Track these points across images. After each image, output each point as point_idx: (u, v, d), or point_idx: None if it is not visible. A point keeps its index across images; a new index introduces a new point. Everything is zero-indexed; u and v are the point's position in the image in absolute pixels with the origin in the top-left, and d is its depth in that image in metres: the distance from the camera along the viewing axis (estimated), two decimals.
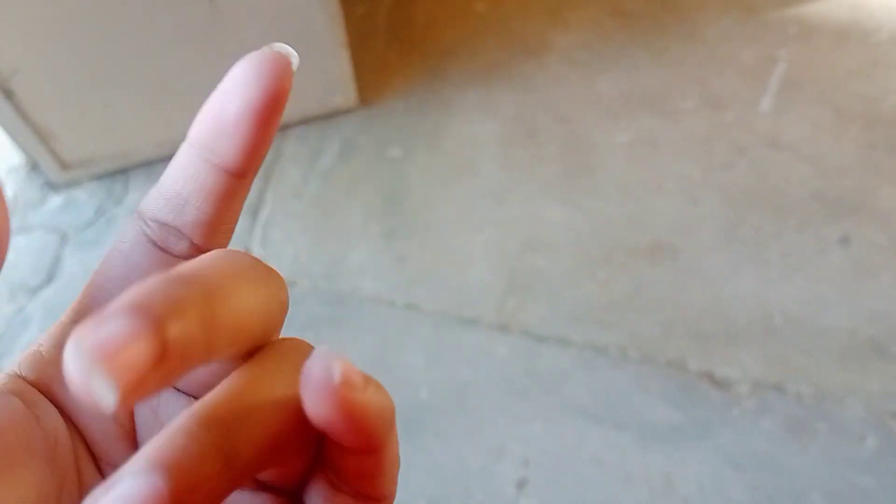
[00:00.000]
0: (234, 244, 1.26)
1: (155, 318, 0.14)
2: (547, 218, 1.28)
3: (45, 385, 0.21)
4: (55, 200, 1.31)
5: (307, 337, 1.20)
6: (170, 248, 0.21)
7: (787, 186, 1.29)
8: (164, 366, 0.14)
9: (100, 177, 1.31)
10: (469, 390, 1.16)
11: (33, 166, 1.30)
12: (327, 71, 1.26)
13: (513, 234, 1.26)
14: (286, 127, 1.34)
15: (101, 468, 0.21)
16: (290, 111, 1.31)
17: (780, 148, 1.32)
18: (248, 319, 0.17)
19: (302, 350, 0.19)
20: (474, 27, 1.45)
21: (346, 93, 1.31)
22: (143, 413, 0.21)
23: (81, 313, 0.21)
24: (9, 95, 1.11)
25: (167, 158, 1.32)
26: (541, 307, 1.21)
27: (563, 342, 1.19)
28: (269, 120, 0.19)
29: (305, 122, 1.33)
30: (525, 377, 1.17)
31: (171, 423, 0.16)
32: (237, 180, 0.20)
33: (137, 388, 0.14)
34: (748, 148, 1.32)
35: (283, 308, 0.19)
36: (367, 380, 0.17)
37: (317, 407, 0.16)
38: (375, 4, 1.48)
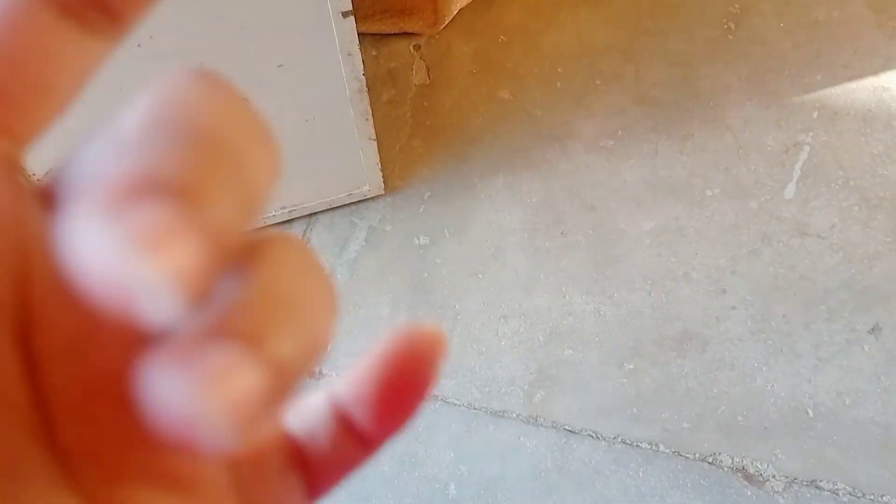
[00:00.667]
0: None
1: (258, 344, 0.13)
2: (574, 308, 1.27)
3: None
4: None
5: None
6: None
7: (815, 275, 1.28)
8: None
9: None
10: (498, 486, 1.15)
11: None
12: (355, 162, 1.28)
13: (540, 325, 1.26)
14: (314, 215, 1.35)
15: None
16: (316, 201, 1.32)
17: (806, 235, 1.31)
18: None
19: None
20: (499, 114, 1.46)
21: (373, 182, 1.33)
22: None
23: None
24: None
25: None
26: (570, 399, 1.20)
27: (594, 436, 1.18)
28: (415, 405, 0.19)
29: (333, 209, 1.35)
30: (555, 473, 1.15)
31: None
32: (362, 447, 0.20)
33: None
34: (775, 235, 1.32)
35: None
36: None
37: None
38: (401, 90, 1.50)
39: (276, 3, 0.98)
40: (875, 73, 1.47)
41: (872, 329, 1.24)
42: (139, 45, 0.94)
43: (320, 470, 0.21)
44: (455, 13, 1.56)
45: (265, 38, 1.00)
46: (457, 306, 1.27)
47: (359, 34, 1.49)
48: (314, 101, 1.13)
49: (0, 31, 0.14)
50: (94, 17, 0.15)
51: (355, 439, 0.20)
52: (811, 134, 1.42)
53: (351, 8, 1.00)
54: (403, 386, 0.19)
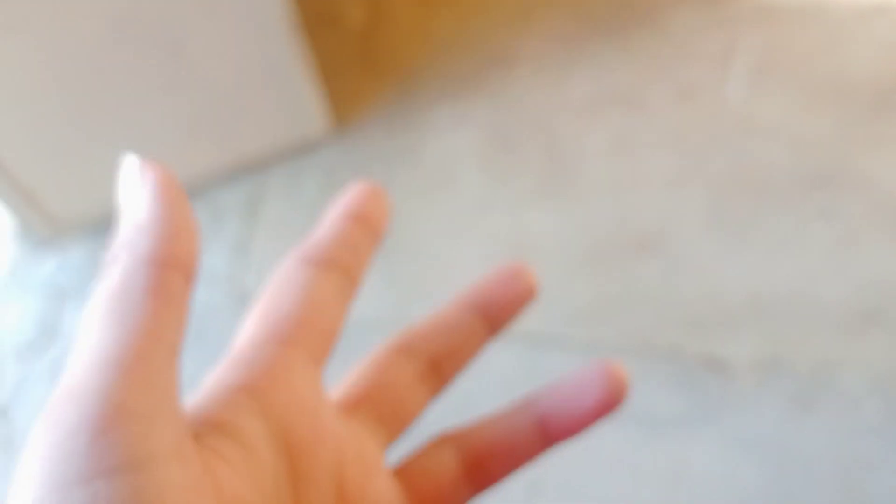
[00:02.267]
0: (227, 282, 1.28)
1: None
2: (532, 223, 1.30)
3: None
4: (50, 259, 1.33)
5: None
6: None
7: (763, 167, 1.31)
8: None
9: (92, 230, 1.33)
10: (472, 402, 1.17)
11: (24, 227, 1.32)
12: (300, 104, 1.29)
13: (500, 242, 1.28)
14: (267, 163, 1.36)
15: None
16: (268, 147, 1.33)
17: (753, 131, 1.34)
18: None
19: None
20: (442, 44, 1.47)
21: (322, 123, 1.34)
22: None
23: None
24: None
25: None
26: (535, 311, 1.23)
27: (561, 343, 1.21)
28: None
29: (285, 156, 1.36)
30: (526, 381, 1.18)
31: None
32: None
33: None
34: (722, 135, 1.34)
35: None
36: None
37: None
38: (343, 33, 1.51)
39: None
40: None
41: (822, 212, 1.27)
42: None
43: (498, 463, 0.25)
44: None
45: None
46: (416, 233, 1.30)
47: None
48: (249, 43, 1.13)
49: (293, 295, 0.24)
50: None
51: (539, 437, 0.25)
52: (751, 33, 1.44)
53: None
54: (599, 396, 0.26)
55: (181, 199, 0.19)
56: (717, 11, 1.46)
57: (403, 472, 0.26)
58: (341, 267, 0.25)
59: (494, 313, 0.27)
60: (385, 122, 1.40)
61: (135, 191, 0.20)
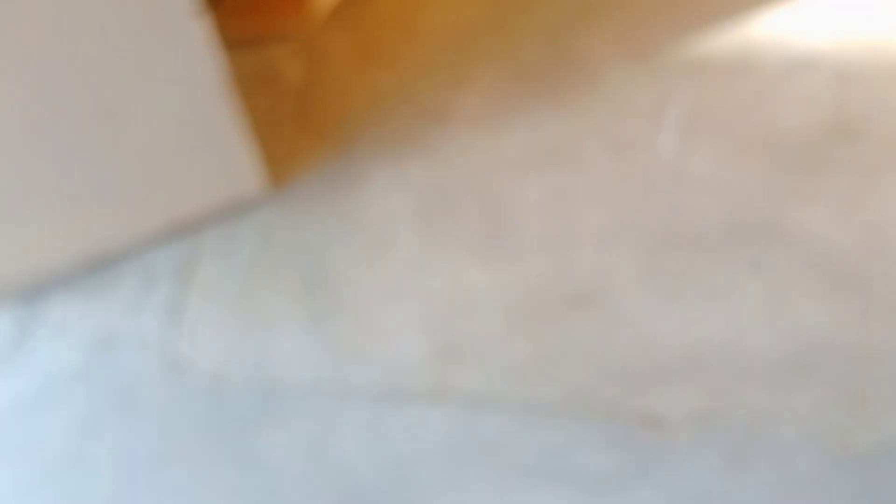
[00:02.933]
0: (160, 348, 1.26)
1: None
2: (470, 281, 1.30)
3: None
4: None
5: (242, 432, 1.19)
6: None
7: (696, 220, 1.33)
8: None
9: (19, 298, 1.31)
10: (411, 465, 1.16)
11: None
12: (235, 163, 1.28)
13: (438, 302, 1.28)
14: (201, 224, 1.34)
15: None
16: (202, 207, 1.32)
17: (685, 184, 1.36)
18: None
19: None
20: (380, 102, 1.48)
21: (257, 182, 1.33)
22: None
23: None
24: None
25: (81, 271, 1.32)
26: (473, 371, 1.23)
27: (500, 403, 1.20)
28: None
29: (221, 216, 1.35)
30: (466, 444, 1.18)
31: None
32: None
33: None
34: (655, 188, 1.36)
35: None
36: None
37: None
38: (280, 91, 1.51)
39: (128, 7, 0.98)
40: (734, 25, 1.53)
41: (753, 264, 1.29)
42: None
43: None
44: (329, 9, 1.58)
45: (119, 40, 1.00)
46: (354, 294, 1.29)
47: (230, 39, 1.50)
48: (182, 103, 1.13)
49: None
50: None
51: None
52: (681, 88, 1.47)
53: (204, 7, 1.01)
54: None
55: None
56: (649, 68, 1.49)
57: None
58: None
59: None
60: (322, 182, 1.40)
61: None
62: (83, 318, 1.29)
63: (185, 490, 1.15)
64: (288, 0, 1.55)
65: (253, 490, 1.15)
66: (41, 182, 1.16)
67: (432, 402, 1.21)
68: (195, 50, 1.10)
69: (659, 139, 1.41)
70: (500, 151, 1.42)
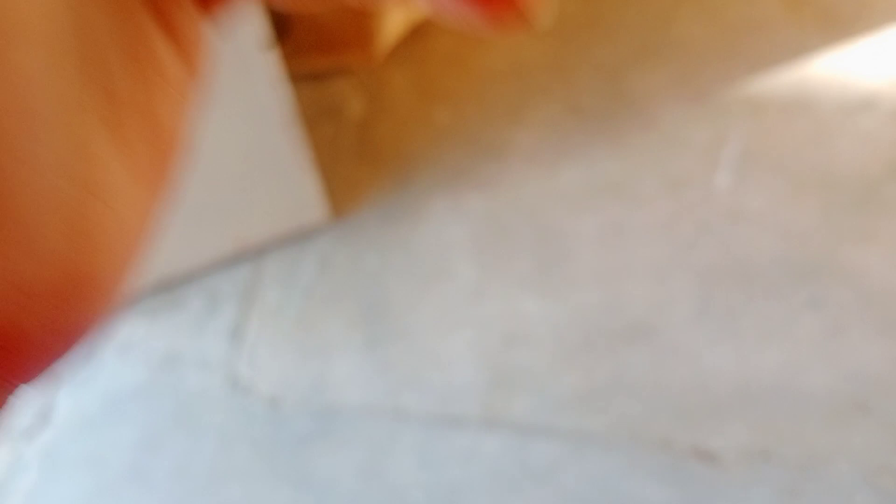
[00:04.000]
0: (221, 368, 1.29)
1: None
2: (524, 311, 1.31)
3: None
4: None
5: (297, 452, 1.22)
6: None
7: (752, 257, 1.33)
8: None
9: None
10: (461, 491, 1.17)
11: None
12: (299, 192, 1.32)
13: (492, 331, 1.30)
14: (264, 250, 1.39)
15: None
16: (265, 233, 1.36)
17: (740, 221, 1.37)
18: None
19: None
20: (438, 137, 1.52)
21: (319, 211, 1.37)
22: None
23: None
24: None
25: (150, 292, 1.37)
26: (526, 400, 1.24)
27: (551, 432, 1.21)
28: None
29: (283, 244, 1.39)
30: (516, 471, 1.18)
31: None
32: None
33: None
34: (711, 224, 1.37)
35: None
36: None
37: None
38: (342, 124, 1.56)
39: None
40: (792, 64, 1.54)
41: (809, 302, 1.28)
42: None
43: None
44: (388, 47, 1.63)
45: None
46: (410, 322, 1.31)
47: (297, 73, 1.55)
48: (248, 134, 1.18)
49: None
50: None
51: None
52: (737, 126, 1.48)
53: (273, 41, 1.05)
54: None
55: None
56: (708, 106, 1.50)
57: None
58: None
59: None
60: (381, 212, 1.44)
61: None
62: (148, 338, 1.34)
63: None
64: (353, 37, 1.61)
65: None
66: None
67: (484, 429, 1.22)
68: (264, 83, 1.15)
69: (715, 177, 1.42)
70: (556, 186, 1.44)
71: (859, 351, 1.23)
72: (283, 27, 1.51)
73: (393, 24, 1.62)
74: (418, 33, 1.66)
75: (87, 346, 0.15)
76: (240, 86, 1.15)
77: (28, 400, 1.23)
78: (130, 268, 0.15)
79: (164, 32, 0.15)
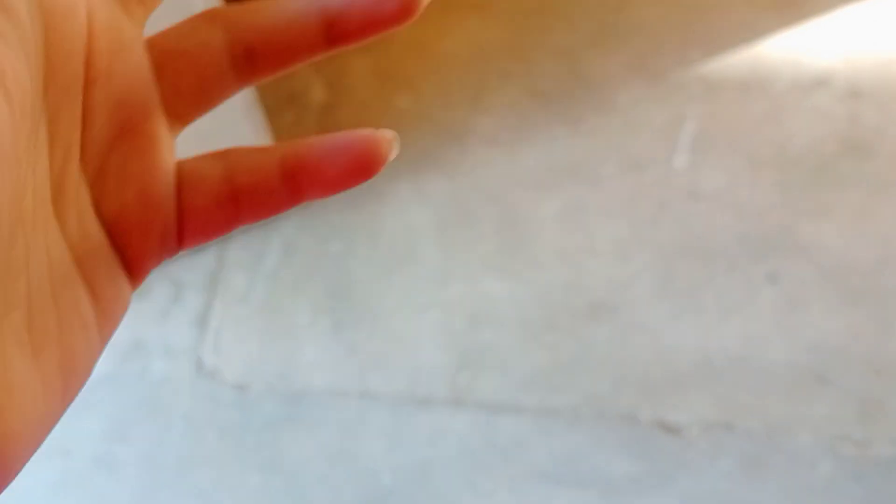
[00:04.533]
0: (187, 356, 1.29)
1: None
2: (489, 293, 1.32)
3: None
4: None
5: (266, 438, 1.22)
6: None
7: (711, 234, 1.35)
8: None
9: None
10: (431, 470, 1.18)
11: None
12: None
13: (458, 313, 1.31)
14: (227, 237, 1.38)
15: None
16: None
17: (699, 199, 1.39)
18: None
19: None
20: (399, 121, 1.52)
21: None
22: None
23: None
24: None
25: None
26: (492, 379, 1.25)
27: (518, 410, 1.22)
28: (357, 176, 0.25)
29: (246, 230, 1.38)
30: (485, 449, 1.19)
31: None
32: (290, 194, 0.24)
33: None
34: (670, 203, 1.39)
35: None
36: None
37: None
38: (303, 110, 1.55)
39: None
40: (747, 44, 1.56)
41: (769, 277, 1.31)
42: None
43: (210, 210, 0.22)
44: None
45: None
46: (375, 305, 1.32)
47: None
48: (207, 120, 1.17)
49: None
50: None
51: (288, 189, 0.23)
52: (695, 106, 1.50)
53: None
54: (355, 155, 0.23)
55: None
56: (666, 87, 1.52)
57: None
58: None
59: (343, 21, 0.22)
60: (344, 197, 1.43)
61: None
62: None
63: (210, 493, 1.17)
64: None
65: (276, 493, 1.17)
66: None
67: (452, 409, 1.23)
68: None
69: (673, 156, 1.44)
70: (517, 168, 1.45)
71: (818, 324, 1.26)
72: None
73: None
74: None
75: None
76: None
77: None
78: (24, 455, 0.17)
79: (89, 293, 0.19)
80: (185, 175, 0.23)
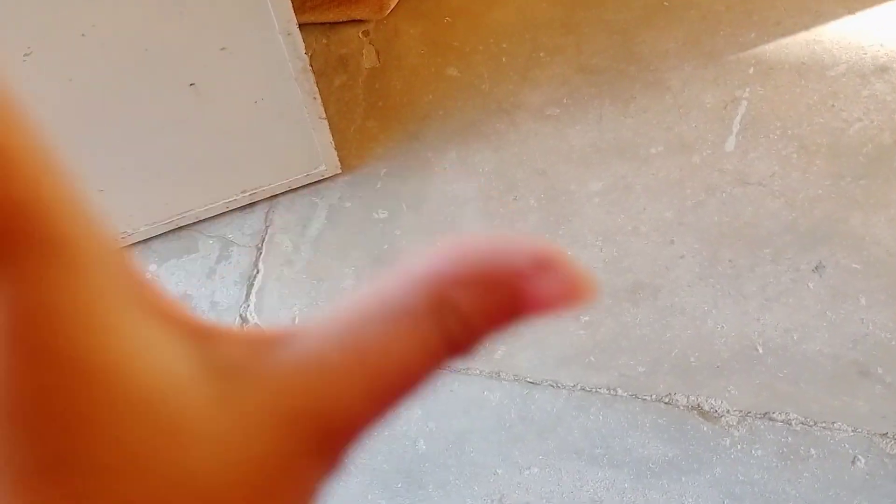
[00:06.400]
0: (228, 312, 1.30)
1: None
2: None
3: None
4: None
5: None
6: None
7: (758, 221, 1.34)
8: None
9: None
10: (466, 439, 1.19)
11: None
12: (310, 142, 1.32)
13: None
14: (274, 197, 1.39)
15: None
16: (276, 183, 1.37)
17: (748, 184, 1.37)
18: None
19: None
20: (448, 91, 1.51)
21: (329, 162, 1.37)
22: None
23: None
24: None
25: (162, 235, 1.37)
26: (530, 353, 1.25)
27: (554, 386, 1.23)
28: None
29: (294, 192, 1.39)
30: (519, 423, 1.20)
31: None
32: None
33: None
34: (718, 187, 1.37)
35: None
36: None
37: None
38: (352, 75, 1.55)
39: None
40: (806, 27, 1.53)
41: (816, 267, 1.29)
42: (83, 35, 0.98)
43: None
44: None
45: (205, 22, 1.04)
46: None
47: (308, 24, 1.54)
48: (261, 83, 1.17)
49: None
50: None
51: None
52: (748, 89, 1.47)
53: None
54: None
55: None
56: (720, 68, 1.50)
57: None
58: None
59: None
60: (390, 164, 1.44)
61: None
62: (160, 279, 1.34)
63: None
64: None
65: None
66: (127, 154, 1.21)
67: (489, 381, 1.23)
68: (276, 33, 1.14)
69: (723, 139, 1.42)
70: (564, 144, 1.44)
71: (863, 317, 1.25)
72: None
73: None
74: None
75: None
76: (252, 34, 1.14)
77: None
78: None
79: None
80: None
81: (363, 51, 1.58)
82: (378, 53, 1.58)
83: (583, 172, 1.41)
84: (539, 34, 1.57)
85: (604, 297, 1.29)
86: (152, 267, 1.36)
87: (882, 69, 1.45)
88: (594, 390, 1.22)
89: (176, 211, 1.34)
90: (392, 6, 1.60)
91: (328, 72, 1.54)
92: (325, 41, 1.60)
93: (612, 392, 1.22)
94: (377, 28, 1.60)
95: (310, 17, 1.58)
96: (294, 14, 1.09)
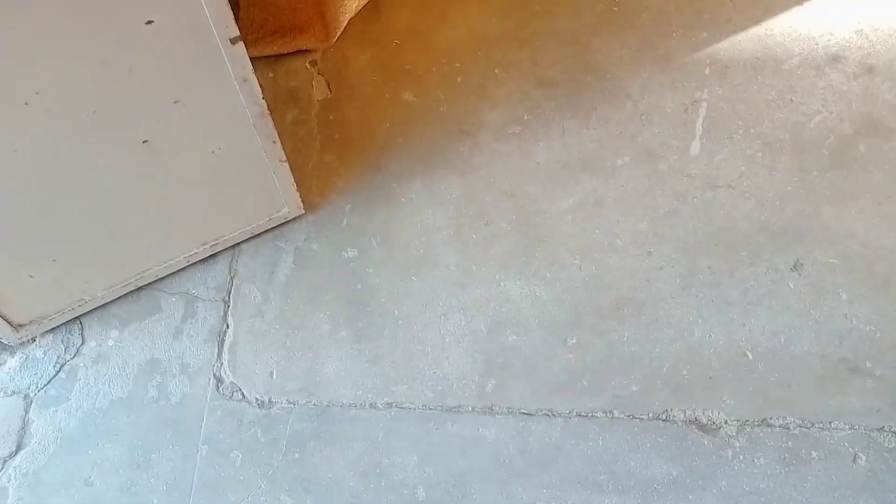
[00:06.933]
0: (201, 373, 1.24)
1: None
2: (510, 294, 1.29)
3: None
4: (11, 363, 1.28)
5: (293, 456, 1.18)
6: None
7: (732, 223, 1.32)
8: None
9: (54, 329, 1.29)
10: (466, 481, 1.15)
11: None
12: (271, 186, 1.27)
13: (480, 316, 1.27)
14: (237, 246, 1.33)
15: None
16: (238, 230, 1.31)
17: (718, 187, 1.36)
18: None
19: None
20: (405, 117, 1.47)
21: (291, 203, 1.32)
22: None
23: None
24: None
25: (121, 298, 1.30)
26: (521, 384, 1.22)
27: (550, 415, 1.19)
28: None
29: (255, 237, 1.33)
30: (518, 457, 1.16)
31: None
32: None
33: None
34: (688, 192, 1.35)
35: None
36: None
37: None
38: (304, 108, 1.50)
39: (161, 41, 0.96)
40: (757, 21, 1.53)
41: (794, 266, 1.28)
42: (26, 104, 0.91)
43: None
44: (345, 25, 1.56)
45: (157, 77, 0.99)
46: (396, 312, 1.28)
47: (252, 59, 1.48)
48: (217, 133, 1.11)
49: None
50: None
51: None
52: (706, 90, 1.46)
53: (238, 34, 0.99)
54: None
55: None
56: (676, 71, 1.48)
57: None
58: None
59: None
60: (355, 198, 1.39)
61: None
62: (121, 348, 1.28)
63: None
64: (308, 16, 1.54)
65: None
66: (79, 218, 1.14)
67: (482, 417, 1.19)
68: (234, 76, 1.08)
69: (687, 143, 1.41)
70: (530, 162, 1.41)
71: (846, 311, 1.24)
72: (232, 10, 1.43)
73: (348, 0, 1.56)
74: (373, 8, 1.60)
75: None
76: (208, 81, 1.08)
77: None
78: None
79: None
80: None
81: (313, 82, 1.53)
82: (328, 83, 1.53)
83: (551, 190, 1.38)
84: (492, 50, 1.54)
85: (589, 316, 1.26)
86: (114, 333, 1.29)
87: (834, 59, 1.45)
88: (590, 415, 1.19)
89: (134, 271, 1.27)
90: (338, 34, 1.56)
91: (279, 107, 1.49)
92: (271, 75, 1.54)
93: (608, 415, 1.19)
94: (325, 57, 1.55)
95: (253, 51, 1.52)
96: (248, 60, 1.03)
